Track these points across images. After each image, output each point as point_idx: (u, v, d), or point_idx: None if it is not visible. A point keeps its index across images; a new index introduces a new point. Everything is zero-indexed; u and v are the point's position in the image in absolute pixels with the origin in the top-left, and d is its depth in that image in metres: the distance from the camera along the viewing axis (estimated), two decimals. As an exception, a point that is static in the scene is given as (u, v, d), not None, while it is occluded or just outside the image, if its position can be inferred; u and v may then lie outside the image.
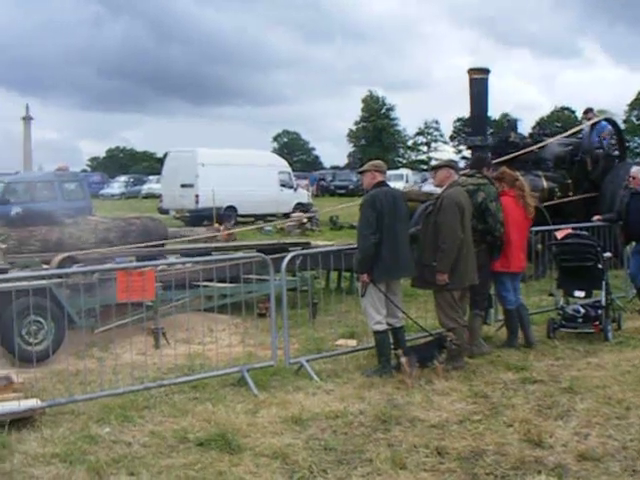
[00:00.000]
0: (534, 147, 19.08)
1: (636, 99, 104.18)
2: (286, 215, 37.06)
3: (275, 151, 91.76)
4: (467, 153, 46.37)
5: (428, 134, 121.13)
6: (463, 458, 7.03)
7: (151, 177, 75.19)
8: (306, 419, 8.10)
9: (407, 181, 61.88)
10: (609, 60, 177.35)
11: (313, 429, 7.86)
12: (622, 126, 26.81)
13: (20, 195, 26.56)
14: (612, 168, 19.49)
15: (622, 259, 14.58)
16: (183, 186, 36.65)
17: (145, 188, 72.45)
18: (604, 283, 11.72)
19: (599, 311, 11.60)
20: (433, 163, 25.70)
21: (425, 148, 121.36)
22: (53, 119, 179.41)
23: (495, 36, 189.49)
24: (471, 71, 18.07)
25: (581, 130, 20.67)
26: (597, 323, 11.49)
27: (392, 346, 10.01)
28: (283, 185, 40.76)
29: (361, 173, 10.55)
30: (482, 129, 18.76)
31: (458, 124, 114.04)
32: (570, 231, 12.46)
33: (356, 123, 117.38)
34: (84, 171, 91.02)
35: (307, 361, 10.02)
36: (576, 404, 8.50)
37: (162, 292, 11.50)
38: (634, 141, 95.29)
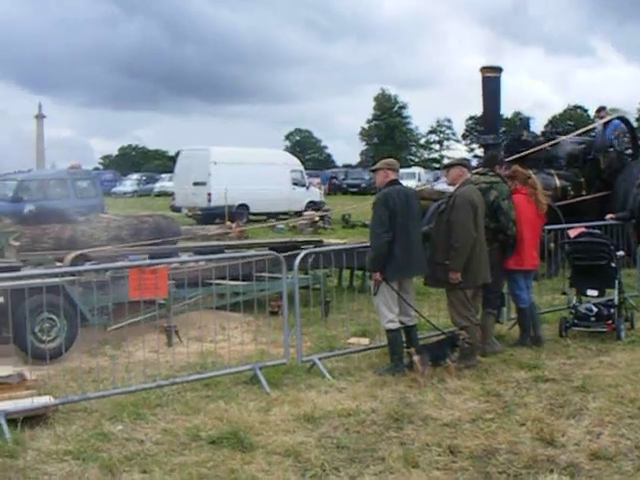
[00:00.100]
0: (546, 144, 19.05)
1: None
2: (298, 213, 37.03)
3: (287, 149, 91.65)
4: (479, 151, 46.35)
5: (440, 132, 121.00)
6: (475, 457, 7.02)
7: (163, 175, 75.28)
8: (318, 417, 8.11)
9: (419, 179, 61.63)
10: (620, 58, 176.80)
11: (325, 427, 7.87)
12: (635, 124, 26.72)
13: (33, 193, 26.66)
14: (625, 166, 19.42)
15: (635, 258, 14.52)
16: (196, 184, 36.72)
17: (157, 186, 72.48)
18: (617, 282, 11.68)
19: (612, 310, 11.57)
20: (445, 161, 25.66)
21: (437, 146, 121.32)
22: (66, 117, 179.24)
23: (507, 34, 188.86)
24: (484, 69, 18.03)
25: (594, 128, 20.62)
26: (610, 322, 11.46)
27: (404, 344, 10.01)
28: (295, 183, 40.78)
29: (374, 171, 10.55)
30: (495, 127, 18.74)
31: (470, 122, 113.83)
32: (583, 230, 12.43)
33: (368, 121, 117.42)
34: (96, 169, 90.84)
35: (319, 359, 10.02)
36: (588, 403, 8.48)
37: (175, 290, 11.52)
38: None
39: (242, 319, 12.13)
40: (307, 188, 41.81)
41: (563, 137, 20.00)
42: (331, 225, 33.46)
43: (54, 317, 10.60)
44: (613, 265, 11.65)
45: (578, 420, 7.96)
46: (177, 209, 37.52)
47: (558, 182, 18.80)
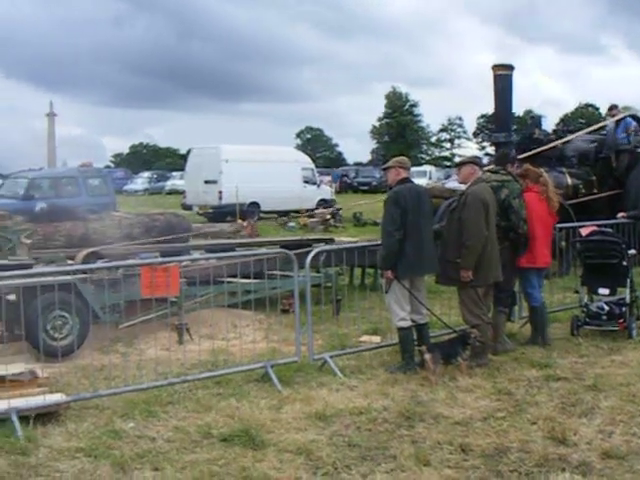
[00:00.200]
0: (558, 142, 19.01)
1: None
2: (309, 211, 37.01)
3: (298, 147, 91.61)
4: (491, 150, 46.25)
5: (452, 131, 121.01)
6: (487, 455, 7.02)
7: (174, 173, 75.44)
8: (330, 415, 8.11)
9: (430, 178, 61.55)
10: (632, 56, 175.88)
11: (337, 425, 7.87)
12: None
13: (44, 191, 26.75)
14: (637, 164, 19.34)
15: (646, 256, 14.50)
16: (207, 182, 36.77)
17: (168, 184, 72.70)
18: (628, 280, 11.66)
19: (623, 309, 11.55)
20: (457, 160, 25.60)
21: (448, 145, 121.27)
22: (77, 115, 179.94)
23: (519, 32, 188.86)
24: (495, 67, 18.00)
25: (605, 126, 20.56)
26: (621, 321, 11.44)
27: (416, 343, 10.01)
28: (306, 181, 40.80)
29: (385, 169, 10.55)
30: (506, 126, 18.70)
31: (482, 121, 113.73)
32: (595, 228, 12.41)
33: (379, 119, 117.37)
34: (108, 167, 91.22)
35: (331, 357, 10.02)
36: (600, 402, 8.47)
37: (186, 288, 11.52)
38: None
39: (254, 317, 12.16)
40: (318, 186, 41.81)
41: (574, 135, 19.95)
42: (342, 223, 33.46)
43: (66, 314, 10.63)
44: (625, 264, 11.63)
45: (590, 419, 7.95)
46: (188, 207, 37.58)
47: (570, 180, 18.76)
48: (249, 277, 11.66)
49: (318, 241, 15.74)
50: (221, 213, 34.58)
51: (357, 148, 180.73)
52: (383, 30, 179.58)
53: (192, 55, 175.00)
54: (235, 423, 7.85)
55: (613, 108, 20.89)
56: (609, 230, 12.51)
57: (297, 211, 36.88)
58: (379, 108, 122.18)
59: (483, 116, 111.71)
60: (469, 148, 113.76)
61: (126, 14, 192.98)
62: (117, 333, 11.22)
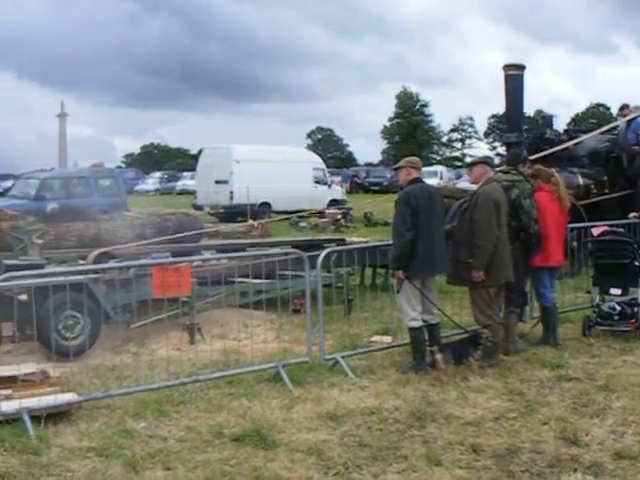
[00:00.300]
0: (569, 143, 18.97)
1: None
2: (320, 212, 36.98)
3: (309, 147, 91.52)
4: (502, 150, 46.17)
5: (462, 131, 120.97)
6: (499, 455, 7.01)
7: (185, 173, 75.51)
8: (341, 415, 8.11)
9: (441, 178, 61.39)
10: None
11: (348, 425, 7.87)
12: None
13: (56, 191, 26.79)
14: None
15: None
16: (218, 182, 36.75)
17: (179, 184, 72.74)
18: (640, 280, 11.65)
19: (635, 309, 11.51)
20: (468, 160, 25.58)
21: (459, 145, 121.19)
22: (88, 116, 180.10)
23: (530, 32, 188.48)
24: (506, 67, 17.97)
25: (617, 126, 20.50)
26: (633, 321, 11.41)
27: (427, 343, 10.00)
28: (317, 182, 40.79)
29: (396, 170, 10.54)
30: (517, 126, 18.66)
31: (493, 120, 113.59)
32: (606, 228, 12.38)
33: (390, 119, 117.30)
34: (119, 167, 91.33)
35: (342, 357, 10.02)
36: (612, 402, 8.45)
37: (198, 288, 11.53)
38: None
39: (265, 317, 12.15)
40: (329, 186, 41.80)
41: (587, 136, 19.90)
42: (353, 223, 33.45)
43: (77, 314, 10.65)
44: (636, 264, 11.60)
45: (602, 419, 7.93)
46: (199, 207, 37.57)
47: (581, 180, 18.72)
48: (260, 277, 11.67)
49: (329, 241, 15.73)
50: (232, 213, 34.61)
51: (368, 148, 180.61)
52: (394, 29, 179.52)
53: (203, 55, 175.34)
54: (246, 423, 7.85)
55: (624, 108, 20.80)
56: (621, 230, 12.48)
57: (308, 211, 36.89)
58: (390, 108, 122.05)
59: (494, 116, 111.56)
60: (480, 148, 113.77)
61: (138, 14, 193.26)
62: (128, 333, 11.25)
